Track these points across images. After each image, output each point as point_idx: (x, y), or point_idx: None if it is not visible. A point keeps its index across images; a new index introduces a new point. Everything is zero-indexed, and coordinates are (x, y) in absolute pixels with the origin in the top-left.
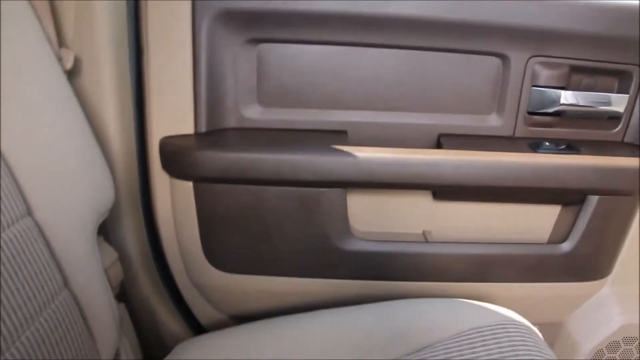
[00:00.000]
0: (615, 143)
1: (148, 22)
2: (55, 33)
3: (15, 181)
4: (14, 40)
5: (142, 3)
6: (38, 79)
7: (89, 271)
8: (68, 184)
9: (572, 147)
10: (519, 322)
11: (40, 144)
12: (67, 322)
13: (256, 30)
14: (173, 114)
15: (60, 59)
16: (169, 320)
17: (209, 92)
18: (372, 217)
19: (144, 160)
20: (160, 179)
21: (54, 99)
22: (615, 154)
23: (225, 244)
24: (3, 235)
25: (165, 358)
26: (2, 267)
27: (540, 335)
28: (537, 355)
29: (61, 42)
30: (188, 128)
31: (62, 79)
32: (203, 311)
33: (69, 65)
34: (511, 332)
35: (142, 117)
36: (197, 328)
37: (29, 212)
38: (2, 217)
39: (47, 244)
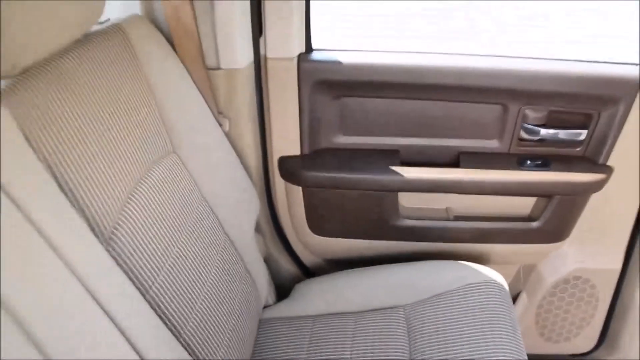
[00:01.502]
0: (578, 157)
1: (269, 88)
2: (215, 103)
3: (207, 203)
4: (197, 116)
5: (263, 75)
6: (212, 139)
7: (254, 253)
8: (234, 205)
9: (545, 163)
10: (496, 281)
11: (218, 180)
12: (245, 283)
13: (340, 91)
14: (287, 143)
15: (220, 124)
16: (287, 266)
17: (311, 128)
18: (415, 195)
19: (267, 172)
20: (279, 183)
21: (220, 150)
22: (577, 166)
23: (321, 220)
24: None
25: (292, 292)
26: (213, 251)
27: (508, 291)
28: (502, 308)
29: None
30: (296, 150)
31: (222, 135)
32: (308, 259)
33: (226, 128)
34: (489, 289)
35: (265, 146)
36: (305, 270)
37: (212, 209)
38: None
39: (227, 236)
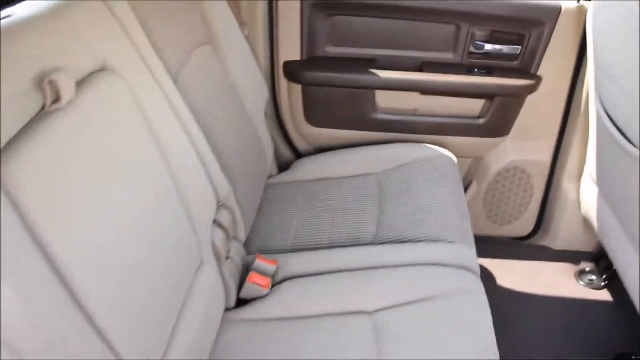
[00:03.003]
0: (514, 68)
1: (279, 7)
2: (239, 15)
3: (229, 83)
4: (228, 24)
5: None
6: (235, 39)
7: (263, 127)
8: (250, 88)
9: (489, 71)
10: (447, 156)
11: (237, 68)
12: (257, 147)
13: (332, 10)
14: (290, 50)
15: (242, 29)
16: (283, 150)
17: (309, 39)
18: (389, 98)
19: (273, 73)
20: (282, 82)
21: (241, 48)
22: (512, 74)
23: (315, 113)
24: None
25: (291, 166)
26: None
27: (456, 162)
28: (449, 173)
29: (241, 18)
30: (297, 56)
31: (243, 38)
32: (301, 146)
33: (246, 33)
34: (442, 161)
35: (273, 51)
36: (298, 155)
37: (234, 89)
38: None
39: (244, 109)
